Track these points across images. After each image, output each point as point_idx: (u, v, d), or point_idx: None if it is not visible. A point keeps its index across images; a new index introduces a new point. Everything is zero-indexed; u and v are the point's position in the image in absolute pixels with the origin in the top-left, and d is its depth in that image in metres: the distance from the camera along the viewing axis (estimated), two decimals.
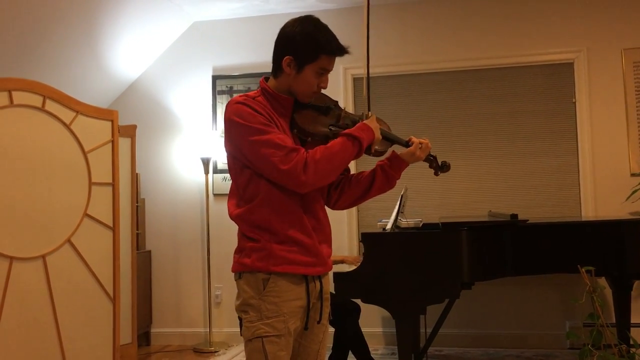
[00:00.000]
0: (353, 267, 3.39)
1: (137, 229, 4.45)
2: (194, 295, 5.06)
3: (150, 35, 4.87)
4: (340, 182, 2.08)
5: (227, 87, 5.08)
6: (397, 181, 2.07)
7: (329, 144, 1.84)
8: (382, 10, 4.85)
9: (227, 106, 1.87)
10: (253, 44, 5.02)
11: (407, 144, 2.03)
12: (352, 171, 2.14)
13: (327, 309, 1.98)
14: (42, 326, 3.15)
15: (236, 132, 1.83)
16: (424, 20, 4.82)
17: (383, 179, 2.03)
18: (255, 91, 1.94)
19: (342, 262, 3.80)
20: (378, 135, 1.94)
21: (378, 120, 2.06)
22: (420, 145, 2.01)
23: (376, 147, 1.98)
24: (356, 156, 1.88)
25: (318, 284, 1.93)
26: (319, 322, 1.95)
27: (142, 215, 5.01)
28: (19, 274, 3.03)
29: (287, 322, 1.82)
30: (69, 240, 3.32)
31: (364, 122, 1.93)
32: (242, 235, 1.90)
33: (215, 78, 5.10)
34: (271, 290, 1.81)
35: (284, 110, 1.92)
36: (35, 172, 3.14)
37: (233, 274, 1.92)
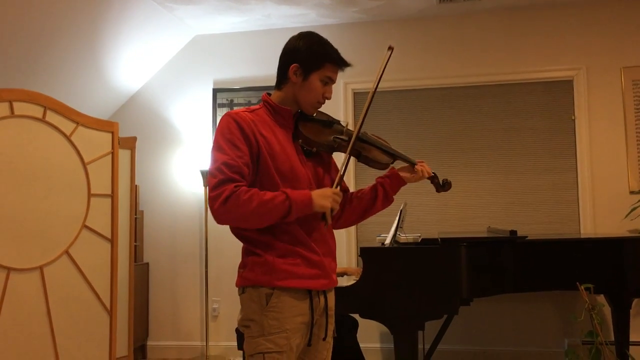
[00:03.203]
0: (352, 280, 3.38)
1: (135, 241, 4.44)
2: (191, 308, 5.04)
3: (151, 48, 4.90)
4: (342, 200, 2.08)
5: (227, 100, 5.09)
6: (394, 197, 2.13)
7: (263, 192, 1.78)
8: (382, 26, 4.88)
9: (223, 116, 1.90)
10: (254, 58, 5.05)
11: (412, 164, 2.10)
12: (352, 189, 2.15)
13: (331, 326, 1.98)
14: (38, 338, 3.13)
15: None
16: (424, 36, 4.85)
17: (383, 196, 2.09)
18: (258, 105, 1.98)
19: (344, 273, 3.79)
20: (321, 207, 1.83)
21: (377, 137, 2.09)
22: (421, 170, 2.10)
23: (379, 160, 2.05)
24: (282, 218, 1.79)
25: (323, 299, 1.92)
26: (324, 339, 1.94)
27: (140, 227, 5.00)
28: (16, 285, 3.01)
29: (289, 338, 1.81)
30: (66, 252, 3.31)
31: (312, 192, 1.83)
32: (245, 249, 1.91)
33: (215, 91, 5.11)
34: (274, 305, 1.81)
35: (285, 121, 1.95)
36: (34, 183, 3.14)
37: (237, 288, 1.92)
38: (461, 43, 4.79)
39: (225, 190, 1.75)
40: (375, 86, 2.00)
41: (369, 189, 2.11)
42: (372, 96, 1.99)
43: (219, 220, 1.80)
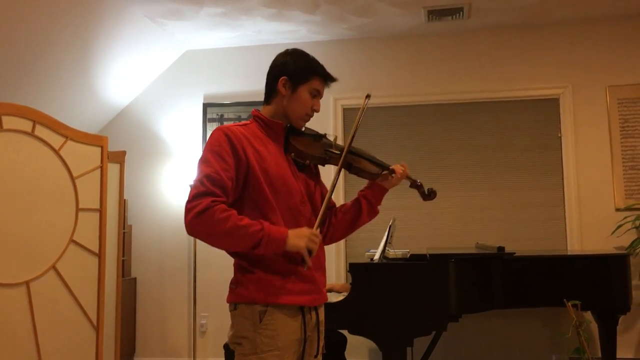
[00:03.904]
0: (341, 296, 3.38)
1: (123, 256, 4.41)
2: (178, 324, 5.00)
3: (142, 62, 4.91)
4: (327, 215, 2.11)
5: (217, 114, 5.10)
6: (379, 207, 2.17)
7: (240, 216, 1.76)
8: (372, 43, 4.92)
9: (214, 130, 1.91)
10: (244, 73, 5.07)
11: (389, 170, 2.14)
12: (341, 200, 2.17)
13: (322, 342, 1.98)
14: (23, 353, 3.09)
15: None
16: (413, 53, 4.90)
17: (368, 207, 2.11)
18: (249, 120, 2.00)
19: (330, 290, 3.78)
20: (294, 247, 1.77)
21: (355, 148, 2.11)
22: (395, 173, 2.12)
23: (369, 171, 2.09)
24: (252, 248, 1.75)
25: (314, 315, 1.92)
26: (315, 356, 1.94)
27: (128, 241, 4.97)
28: (2, 300, 2.98)
29: (282, 356, 1.80)
30: (53, 267, 3.28)
31: (289, 231, 1.79)
32: (237, 266, 1.90)
33: (206, 106, 5.12)
34: (268, 323, 1.80)
35: (276, 134, 1.97)
36: (22, 197, 3.12)
37: (228, 304, 1.91)
38: (450, 61, 4.84)
39: (201, 203, 1.73)
40: (353, 131, 2.01)
41: (352, 202, 2.14)
42: (356, 128, 2.01)
43: (190, 231, 1.76)
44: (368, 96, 2.07)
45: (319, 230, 1.85)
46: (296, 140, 1.98)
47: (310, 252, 1.79)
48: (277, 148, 1.94)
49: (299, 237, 1.78)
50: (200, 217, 1.72)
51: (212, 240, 1.77)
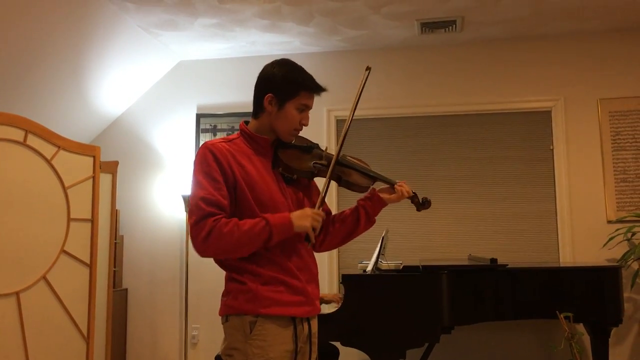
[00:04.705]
0: (333, 305, 3.37)
1: (115, 267, 4.39)
2: (170, 335, 4.97)
3: (135, 72, 4.90)
4: (324, 223, 2.09)
5: (210, 125, 5.10)
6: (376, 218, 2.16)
7: (242, 221, 1.80)
8: (365, 55, 4.94)
9: (200, 147, 1.90)
10: (238, 84, 5.08)
11: (392, 185, 2.12)
12: (334, 210, 2.17)
13: (314, 354, 1.96)
14: None
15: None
16: (406, 65, 4.92)
17: (366, 218, 2.10)
18: (236, 134, 1.98)
19: (321, 300, 3.77)
20: (301, 228, 1.84)
21: (356, 159, 2.12)
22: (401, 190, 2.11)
23: (359, 183, 2.07)
24: (264, 243, 1.81)
25: (306, 326, 1.91)
26: None
27: (120, 252, 4.94)
28: None
29: None
30: (44, 277, 3.25)
31: (290, 215, 1.85)
32: (228, 277, 1.90)
33: (199, 116, 5.12)
34: (258, 333, 1.80)
35: (263, 150, 1.96)
36: (13, 207, 3.10)
37: (220, 317, 1.90)
38: (442, 73, 4.87)
39: (204, 226, 1.77)
40: (354, 107, 2.02)
41: (351, 211, 2.13)
42: (351, 118, 2.02)
43: (203, 255, 1.81)
44: (368, 68, 2.04)
45: (320, 209, 1.91)
46: (284, 154, 1.97)
47: (314, 230, 1.86)
48: (263, 163, 1.93)
49: (303, 218, 1.84)
50: (209, 240, 1.76)
51: (227, 254, 1.83)
